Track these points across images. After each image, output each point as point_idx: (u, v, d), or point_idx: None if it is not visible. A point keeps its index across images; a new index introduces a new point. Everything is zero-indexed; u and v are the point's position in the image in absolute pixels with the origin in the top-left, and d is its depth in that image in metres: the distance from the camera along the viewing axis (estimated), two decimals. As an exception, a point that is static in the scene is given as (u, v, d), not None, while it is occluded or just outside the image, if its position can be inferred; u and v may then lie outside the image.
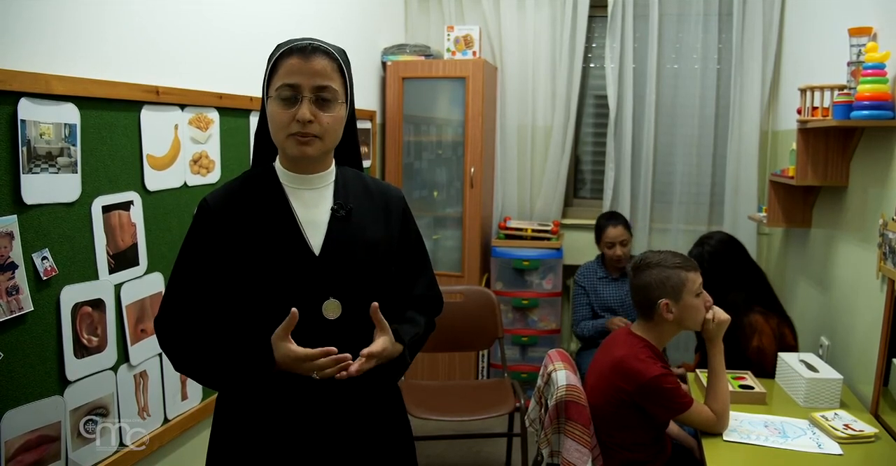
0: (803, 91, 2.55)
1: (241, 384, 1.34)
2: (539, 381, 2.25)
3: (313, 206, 1.39)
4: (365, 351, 1.31)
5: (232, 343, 1.33)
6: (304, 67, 1.30)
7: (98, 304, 1.69)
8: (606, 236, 3.34)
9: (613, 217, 3.41)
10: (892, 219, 2.03)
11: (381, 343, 1.34)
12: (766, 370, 2.39)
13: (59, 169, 1.55)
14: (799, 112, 2.61)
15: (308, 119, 1.29)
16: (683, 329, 2.09)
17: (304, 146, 1.32)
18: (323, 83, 1.31)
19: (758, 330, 2.43)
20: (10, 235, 1.43)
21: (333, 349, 1.28)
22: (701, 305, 2.03)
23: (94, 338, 1.68)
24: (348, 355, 1.28)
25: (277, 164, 1.42)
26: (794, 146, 2.61)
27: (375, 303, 1.33)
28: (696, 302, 2.02)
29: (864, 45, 2.20)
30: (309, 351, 1.27)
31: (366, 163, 3.50)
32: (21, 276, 1.46)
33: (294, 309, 1.26)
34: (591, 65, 4.02)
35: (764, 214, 3.05)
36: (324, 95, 1.31)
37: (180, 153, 1.99)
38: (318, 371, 1.28)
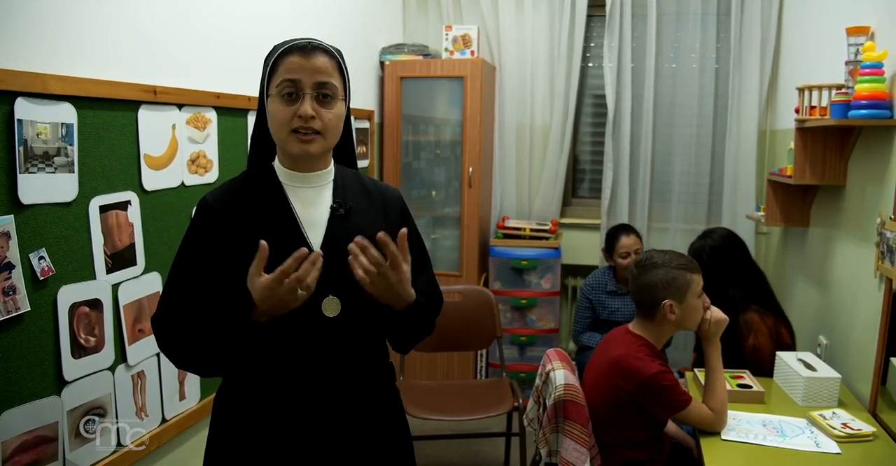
0: (801, 90, 2.56)
1: (230, 343, 1.29)
2: (537, 381, 2.25)
3: (312, 205, 1.40)
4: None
5: (216, 314, 1.29)
6: (305, 64, 1.31)
7: (95, 304, 1.69)
8: (621, 246, 3.24)
9: (625, 227, 3.34)
10: (890, 218, 2.03)
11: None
12: (762, 369, 2.39)
13: (55, 168, 1.54)
14: (797, 111, 2.61)
15: (310, 114, 1.30)
16: (682, 329, 2.10)
17: (307, 144, 1.32)
18: (324, 80, 1.32)
19: (754, 328, 2.43)
20: (7, 235, 1.42)
21: (301, 252, 1.23)
22: (701, 306, 2.04)
23: (92, 338, 1.68)
24: (318, 252, 1.24)
25: (277, 163, 1.42)
26: (792, 145, 2.61)
27: (381, 233, 1.27)
28: (698, 304, 2.03)
29: (861, 44, 2.21)
30: (276, 272, 1.22)
31: (364, 163, 3.50)
32: (18, 276, 1.45)
33: (263, 242, 1.22)
34: (590, 64, 4.02)
35: (762, 213, 3.06)
36: (325, 92, 1.32)
37: (178, 153, 1.99)
38: (301, 287, 1.23)
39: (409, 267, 1.32)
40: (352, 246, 1.26)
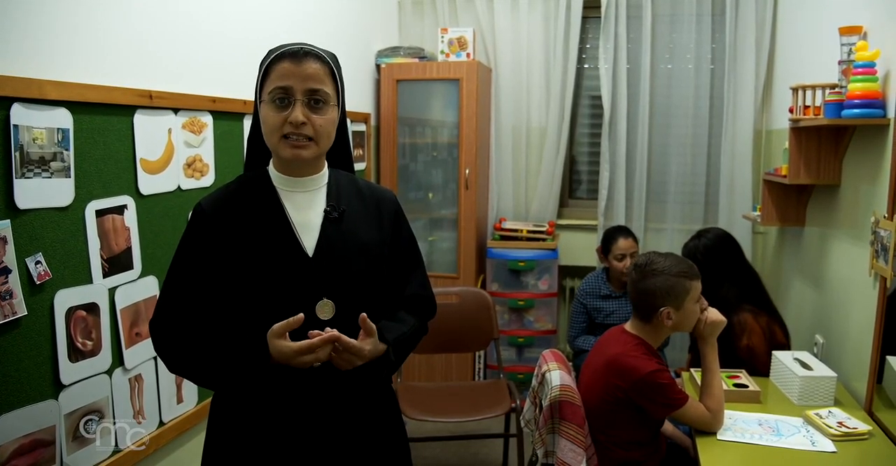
0: (795, 90, 2.56)
1: (237, 380, 1.34)
2: (533, 382, 2.25)
3: (306, 208, 1.40)
4: (344, 340, 1.30)
5: (227, 340, 1.33)
6: (296, 71, 1.32)
7: (92, 308, 1.69)
8: (618, 247, 3.22)
9: (623, 229, 3.33)
10: (884, 217, 2.04)
11: (361, 341, 1.34)
12: (757, 369, 2.39)
13: (52, 173, 1.55)
14: (791, 111, 2.62)
15: (301, 121, 1.30)
16: (677, 331, 2.11)
17: (298, 149, 1.33)
18: (315, 86, 1.33)
19: (747, 329, 2.43)
20: (4, 240, 1.43)
21: (315, 342, 1.28)
22: (698, 310, 2.04)
23: (89, 342, 1.68)
24: (336, 334, 1.29)
25: (271, 168, 1.43)
26: (787, 145, 2.62)
27: (364, 314, 1.33)
28: (695, 309, 2.04)
29: (854, 43, 2.22)
30: (303, 343, 1.27)
31: (361, 166, 3.51)
32: (14, 281, 1.46)
33: (301, 315, 1.27)
34: (586, 65, 4.03)
35: (758, 213, 3.06)
36: (316, 98, 1.33)
37: (174, 157, 1.99)
38: (316, 361, 1.30)
39: (369, 345, 1.35)
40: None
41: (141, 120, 1.85)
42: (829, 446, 1.88)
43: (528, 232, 3.80)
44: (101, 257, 1.72)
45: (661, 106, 3.84)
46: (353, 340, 1.31)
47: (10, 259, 1.45)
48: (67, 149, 1.59)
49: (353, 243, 1.40)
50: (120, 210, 1.79)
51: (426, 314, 1.56)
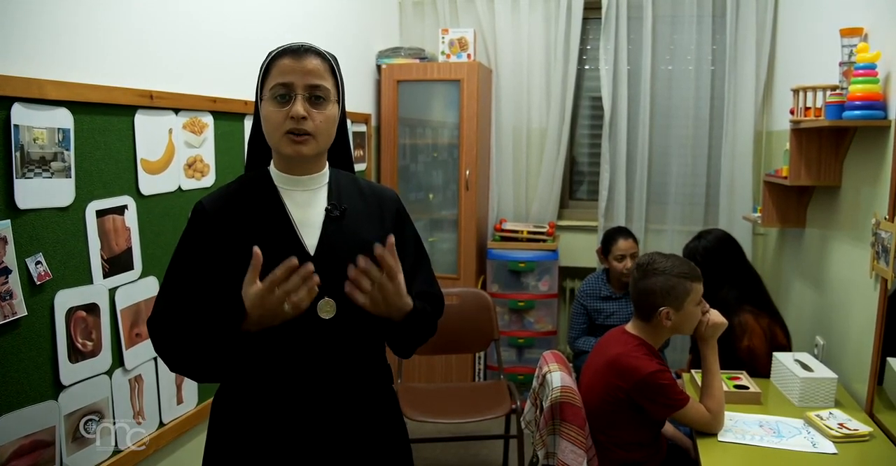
0: (796, 91, 2.56)
1: (220, 349, 1.29)
2: (534, 383, 2.25)
3: (307, 207, 1.40)
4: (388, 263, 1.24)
5: (213, 324, 1.30)
6: (296, 67, 1.32)
7: (92, 309, 1.69)
8: (618, 248, 3.21)
9: (623, 230, 3.32)
10: (885, 218, 2.04)
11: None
12: (757, 370, 2.39)
13: (52, 173, 1.55)
14: (792, 112, 2.62)
15: (302, 115, 1.30)
16: (677, 333, 2.11)
17: (300, 145, 1.33)
18: (316, 82, 1.33)
19: (748, 330, 2.43)
20: (4, 240, 1.43)
21: (279, 272, 1.21)
22: (699, 313, 2.04)
23: (89, 343, 1.68)
24: (308, 265, 1.22)
25: (272, 167, 1.43)
26: (788, 146, 2.62)
27: (384, 244, 1.26)
28: (696, 311, 2.03)
29: (855, 45, 2.22)
30: (269, 277, 1.22)
31: (361, 166, 3.50)
32: (14, 281, 1.46)
33: (258, 249, 1.22)
34: (586, 66, 4.03)
35: (759, 214, 3.06)
36: (317, 94, 1.33)
37: (174, 157, 1.99)
38: (290, 301, 1.23)
39: (402, 276, 1.31)
40: (353, 273, 1.24)
41: (141, 120, 1.84)
42: (829, 447, 1.88)
43: (529, 233, 3.80)
44: (102, 257, 1.72)
45: (661, 107, 3.84)
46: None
47: (11, 259, 1.45)
48: (68, 149, 1.59)
49: (355, 242, 1.39)
50: (120, 210, 1.78)
51: (435, 311, 1.54)
